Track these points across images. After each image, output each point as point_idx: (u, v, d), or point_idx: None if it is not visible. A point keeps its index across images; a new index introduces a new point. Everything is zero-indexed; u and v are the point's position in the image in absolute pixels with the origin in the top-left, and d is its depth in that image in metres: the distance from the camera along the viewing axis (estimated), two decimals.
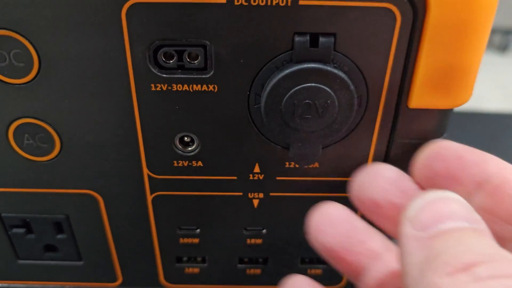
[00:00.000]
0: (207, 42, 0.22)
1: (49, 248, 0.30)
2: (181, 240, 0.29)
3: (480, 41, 0.22)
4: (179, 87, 0.23)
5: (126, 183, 0.27)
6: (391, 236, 0.25)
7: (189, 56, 0.23)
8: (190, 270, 0.31)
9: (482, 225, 0.18)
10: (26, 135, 0.25)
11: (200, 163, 0.26)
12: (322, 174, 0.26)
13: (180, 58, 0.23)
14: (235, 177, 0.26)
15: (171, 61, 0.23)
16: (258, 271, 0.31)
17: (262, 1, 0.21)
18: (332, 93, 0.23)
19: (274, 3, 0.21)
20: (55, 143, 0.25)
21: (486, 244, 0.17)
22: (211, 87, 0.23)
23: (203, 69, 0.23)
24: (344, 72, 0.22)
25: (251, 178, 0.26)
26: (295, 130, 0.24)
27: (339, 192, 0.27)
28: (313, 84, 0.22)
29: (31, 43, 0.22)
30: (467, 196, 0.21)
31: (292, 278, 0.26)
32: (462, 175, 0.21)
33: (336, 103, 0.23)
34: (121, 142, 0.25)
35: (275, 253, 0.30)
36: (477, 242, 0.17)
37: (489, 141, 0.70)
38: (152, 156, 0.26)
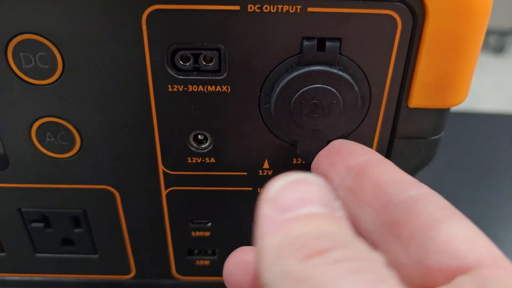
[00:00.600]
0: (221, 46, 0.24)
1: (66, 242, 0.32)
2: (193, 234, 0.31)
3: (475, 46, 0.23)
4: (195, 88, 0.25)
5: (142, 179, 0.28)
6: None
7: (204, 59, 0.24)
8: (201, 262, 0.32)
9: (339, 213, 0.18)
10: (48, 133, 0.26)
11: (212, 160, 0.27)
12: None
13: (196, 61, 0.24)
14: (245, 173, 0.28)
15: (187, 64, 0.24)
16: None
17: (273, 8, 0.22)
18: (337, 93, 0.24)
19: (284, 10, 0.23)
20: (76, 141, 0.27)
21: (341, 231, 0.17)
22: (224, 88, 0.25)
23: (217, 71, 0.24)
24: (349, 74, 0.24)
25: (260, 174, 0.28)
26: (303, 128, 0.25)
27: None
28: (320, 85, 0.24)
29: (56, 47, 0.24)
30: (340, 179, 0.22)
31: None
32: (337, 160, 0.23)
33: (341, 103, 0.24)
34: (138, 140, 0.27)
35: None
36: (333, 228, 0.17)
37: (486, 140, 0.71)
38: (167, 153, 0.27)
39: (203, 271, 0.33)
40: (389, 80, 0.25)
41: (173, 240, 0.31)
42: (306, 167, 0.28)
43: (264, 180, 0.28)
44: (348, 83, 0.24)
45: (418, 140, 0.27)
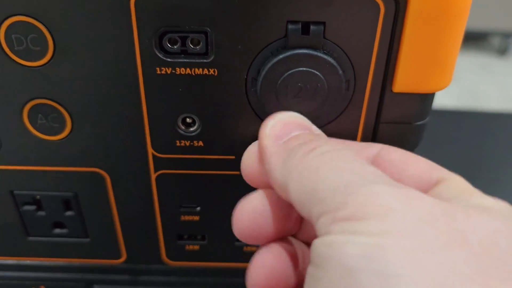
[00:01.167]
0: (208, 29, 0.24)
1: (58, 225, 0.32)
2: (182, 218, 0.31)
3: (457, 30, 0.24)
4: (182, 71, 0.25)
5: (131, 162, 0.29)
6: None
7: (191, 42, 0.25)
8: (191, 247, 0.33)
9: (318, 131, 0.25)
10: (40, 115, 0.27)
11: (201, 143, 0.28)
12: None
13: (184, 44, 0.25)
14: (233, 157, 0.28)
15: (175, 46, 0.25)
16: (254, 248, 0.33)
17: None
18: (322, 77, 0.25)
19: None
20: (66, 123, 0.27)
21: (322, 137, 0.24)
22: (211, 71, 0.25)
23: (204, 54, 0.25)
24: (333, 58, 0.24)
25: None
26: (289, 111, 0.26)
27: None
28: (304, 69, 0.24)
29: (47, 28, 0.24)
30: None
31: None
32: None
33: (326, 86, 0.25)
34: (127, 123, 0.27)
35: None
36: (316, 137, 0.23)
37: (488, 139, 0.72)
38: (156, 136, 0.28)
39: (193, 256, 0.33)
40: (373, 64, 0.25)
41: (163, 225, 0.32)
42: None
43: None
44: (333, 67, 0.24)
45: (403, 125, 0.27)
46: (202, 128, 0.27)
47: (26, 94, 0.26)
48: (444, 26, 0.23)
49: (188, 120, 0.27)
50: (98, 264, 0.34)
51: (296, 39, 0.24)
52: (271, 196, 0.25)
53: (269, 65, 0.24)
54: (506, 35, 2.18)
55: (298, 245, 0.26)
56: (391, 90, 0.26)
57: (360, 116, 0.27)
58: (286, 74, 0.25)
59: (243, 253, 0.33)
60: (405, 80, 0.25)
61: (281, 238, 0.26)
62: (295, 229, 0.26)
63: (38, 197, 0.31)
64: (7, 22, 0.24)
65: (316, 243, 0.19)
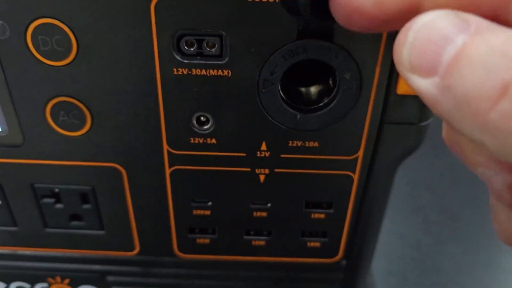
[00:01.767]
0: (223, 32, 0.25)
1: (75, 217, 0.34)
2: (194, 212, 0.33)
3: None
4: (198, 72, 0.27)
5: (147, 158, 0.30)
6: None
7: (207, 45, 0.26)
8: (201, 240, 0.34)
9: (473, 23, 0.15)
10: (62, 112, 0.29)
11: (213, 140, 0.29)
12: (322, 152, 0.30)
13: (200, 46, 0.26)
14: (244, 154, 0.30)
15: (191, 49, 0.26)
16: (262, 242, 0.34)
17: None
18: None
19: None
20: (87, 119, 0.29)
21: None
22: (225, 72, 0.27)
23: (219, 56, 0.26)
24: (341, 61, 0.26)
25: (258, 155, 0.30)
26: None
27: (337, 170, 0.30)
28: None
29: (71, 30, 0.26)
30: None
31: None
32: None
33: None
34: (145, 120, 0.29)
35: (278, 226, 0.33)
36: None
37: None
38: (172, 133, 0.29)
39: (203, 249, 0.35)
40: (379, 67, 0.26)
41: (176, 218, 0.33)
42: (301, 149, 0.30)
43: (261, 161, 0.30)
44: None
45: (406, 126, 0.29)
46: (215, 126, 0.29)
47: (50, 92, 0.28)
48: None
49: (202, 118, 0.29)
50: (112, 256, 0.36)
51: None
52: None
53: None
54: None
55: None
56: (395, 92, 0.27)
57: (365, 116, 0.28)
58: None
59: (252, 247, 0.34)
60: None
61: None
62: None
63: (57, 190, 0.32)
64: (34, 24, 0.25)
65: None
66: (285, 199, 0.32)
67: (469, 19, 0.15)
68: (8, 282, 0.38)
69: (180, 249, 0.35)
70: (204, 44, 0.26)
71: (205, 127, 0.29)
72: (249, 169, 0.31)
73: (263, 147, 0.30)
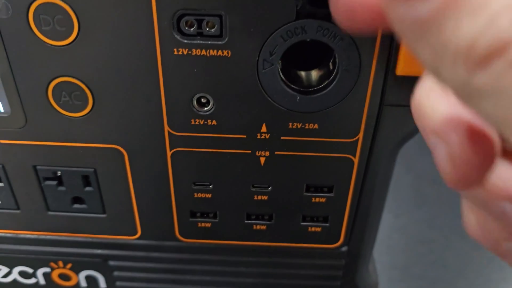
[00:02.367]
0: (223, 12, 0.26)
1: (77, 200, 0.34)
2: (195, 195, 0.33)
3: None
4: (198, 52, 0.27)
5: (149, 139, 0.30)
6: None
7: (207, 25, 0.26)
8: (203, 224, 0.34)
9: None
10: (64, 92, 0.29)
11: (214, 122, 0.29)
12: (322, 135, 0.30)
13: (200, 26, 0.26)
14: (245, 136, 0.30)
15: (191, 29, 0.26)
16: (263, 227, 0.34)
17: None
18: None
19: None
20: (88, 100, 0.29)
21: None
22: (225, 53, 0.27)
23: (218, 36, 0.26)
24: (340, 42, 0.26)
25: (258, 137, 0.30)
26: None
27: (338, 153, 0.30)
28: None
29: (73, 10, 0.26)
30: None
31: None
32: None
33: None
34: (146, 101, 0.29)
35: (279, 210, 0.34)
36: None
37: None
38: (172, 115, 0.29)
39: (204, 233, 0.35)
40: (377, 48, 0.26)
41: (177, 202, 0.33)
42: (301, 131, 0.30)
43: (262, 143, 0.30)
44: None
45: (406, 108, 0.29)
46: (215, 108, 0.29)
47: (51, 72, 0.28)
48: None
49: (202, 100, 0.29)
50: (114, 240, 0.36)
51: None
52: None
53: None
54: None
55: None
56: (395, 73, 0.27)
57: (365, 98, 0.28)
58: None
59: (253, 231, 0.34)
60: (407, 64, 0.27)
61: None
62: None
63: (59, 172, 0.33)
64: (36, 3, 0.26)
65: None
66: (285, 182, 0.32)
67: None
68: (11, 266, 0.38)
69: (181, 233, 0.35)
70: (204, 24, 0.26)
71: (206, 108, 0.29)
72: (249, 151, 0.31)
73: (263, 129, 0.30)
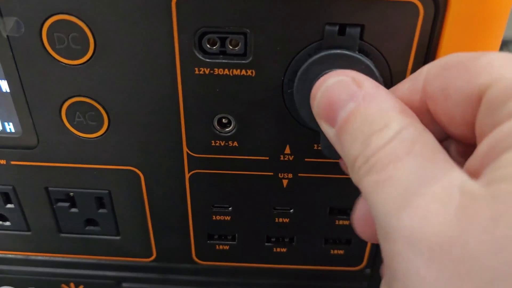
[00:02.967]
0: (247, 30, 0.24)
1: (90, 222, 0.33)
2: (214, 218, 0.31)
3: (496, 33, 0.24)
4: (220, 71, 0.26)
5: (166, 161, 0.29)
6: None
7: (230, 43, 0.25)
8: (221, 247, 0.33)
9: (363, 90, 0.20)
10: (78, 113, 0.27)
11: (235, 143, 0.28)
12: None
13: (223, 44, 0.25)
14: (267, 158, 0.29)
15: (214, 47, 0.25)
16: (284, 249, 0.33)
17: None
18: None
19: None
20: (104, 121, 0.28)
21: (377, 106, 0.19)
22: (249, 72, 0.25)
23: (243, 55, 0.25)
24: (370, 60, 0.24)
25: (281, 158, 0.29)
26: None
27: None
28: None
29: (89, 27, 0.25)
30: None
31: None
32: None
33: None
34: (164, 122, 0.27)
35: (301, 233, 0.32)
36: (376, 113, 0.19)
37: None
38: (192, 136, 0.28)
39: (222, 256, 0.34)
40: (410, 67, 0.25)
41: (194, 224, 0.32)
42: None
43: (285, 165, 0.29)
44: (369, 69, 0.24)
45: None
46: (237, 129, 0.27)
47: (65, 92, 0.27)
48: (484, 28, 0.23)
49: (224, 120, 0.28)
50: (128, 262, 0.35)
51: (331, 39, 0.24)
52: None
53: (304, 66, 0.24)
54: (506, 43, 2.15)
55: None
56: None
57: None
58: (320, 75, 0.25)
59: (273, 254, 0.33)
60: None
61: None
62: None
63: (72, 194, 0.31)
64: (50, 20, 0.24)
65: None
66: (308, 205, 0.31)
67: (363, 85, 0.20)
68: None
69: (198, 256, 0.34)
70: (227, 42, 0.25)
71: (227, 129, 0.28)
72: (271, 173, 0.29)
73: (287, 150, 0.28)
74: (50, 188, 0.31)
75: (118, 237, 0.33)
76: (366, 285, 0.35)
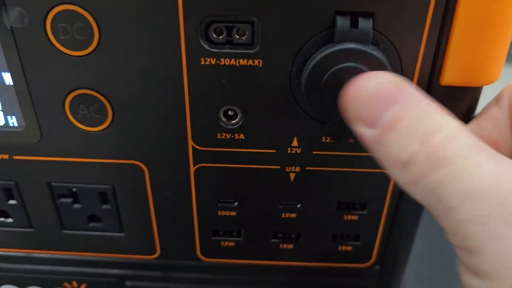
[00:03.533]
0: (255, 19, 0.24)
1: (93, 218, 0.32)
2: (219, 213, 0.31)
3: (509, 23, 0.23)
4: (227, 61, 0.25)
5: (171, 154, 0.28)
6: None
7: (237, 32, 0.24)
8: (226, 244, 0.33)
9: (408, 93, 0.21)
10: (82, 105, 0.27)
11: (242, 136, 0.27)
12: (356, 149, 0.28)
13: (229, 34, 0.24)
14: (274, 151, 0.28)
15: (220, 37, 0.24)
16: (290, 246, 0.32)
17: None
18: None
19: None
20: (108, 113, 0.27)
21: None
22: (256, 62, 0.25)
23: (250, 44, 0.25)
24: (382, 52, 0.24)
25: (288, 151, 0.28)
26: (333, 107, 0.25)
27: (373, 168, 0.28)
28: (352, 64, 0.24)
29: (93, 17, 0.24)
30: None
31: None
32: None
33: None
34: (169, 114, 0.27)
35: (308, 228, 0.32)
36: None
37: None
38: (197, 128, 0.27)
39: (228, 253, 0.33)
40: (421, 56, 0.25)
41: (199, 220, 0.31)
42: (334, 146, 0.28)
43: (292, 158, 0.28)
44: (381, 64, 0.24)
45: None
46: (244, 121, 0.27)
47: (69, 84, 0.26)
48: (497, 16, 0.23)
49: (230, 112, 0.27)
50: (131, 260, 0.34)
51: (344, 32, 0.24)
52: None
53: (316, 59, 0.24)
54: None
55: None
56: (439, 83, 0.25)
57: None
58: (332, 70, 0.24)
59: (280, 250, 0.33)
60: (453, 73, 0.25)
61: None
62: None
63: (74, 189, 0.31)
64: (55, 11, 0.24)
65: None
66: (316, 199, 0.30)
67: (406, 89, 0.21)
68: (23, 286, 0.36)
69: (203, 253, 0.33)
70: (234, 31, 0.24)
71: (233, 121, 0.27)
72: (278, 167, 0.29)
73: (294, 143, 0.28)
74: (53, 184, 0.31)
75: (121, 234, 0.33)
76: (374, 282, 0.34)
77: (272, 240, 0.32)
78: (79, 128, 0.28)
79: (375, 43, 0.24)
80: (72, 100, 0.27)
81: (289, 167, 0.29)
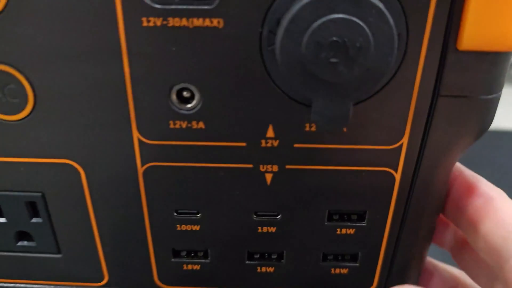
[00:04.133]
0: None
1: (22, 236, 0.26)
2: (178, 227, 0.25)
3: None
4: (177, 22, 0.19)
5: (112, 151, 0.22)
6: None
7: None
8: (190, 267, 0.26)
9: None
10: None
11: (201, 124, 0.21)
12: (350, 140, 0.22)
13: None
14: (244, 144, 0.22)
15: None
16: (271, 269, 0.26)
17: None
18: (366, 28, 0.18)
19: None
20: (28, 97, 0.21)
21: None
22: (215, 22, 0.19)
23: None
24: (381, 2, 0.18)
25: (263, 145, 0.22)
26: (318, 79, 0.19)
27: (373, 165, 0.22)
28: (342, 16, 0.18)
29: None
30: None
31: None
32: None
33: (372, 43, 0.18)
34: (106, 97, 0.21)
35: (291, 246, 0.25)
36: None
37: None
38: (143, 115, 0.21)
39: (192, 278, 0.26)
40: (432, 12, 0.19)
41: (154, 236, 0.25)
42: (322, 136, 0.22)
43: (268, 154, 0.22)
44: (381, 14, 0.18)
45: (467, 100, 0.21)
46: (203, 104, 0.21)
47: None
48: None
49: (185, 93, 0.21)
50: None
51: None
52: None
53: (293, 11, 0.18)
54: None
55: None
56: (456, 48, 0.19)
57: (413, 85, 0.20)
58: (316, 24, 0.18)
59: (257, 275, 0.26)
60: (474, 34, 0.19)
61: None
62: None
63: None
64: None
65: None
66: (300, 209, 0.24)
67: None
68: None
69: (161, 279, 0.27)
70: None
71: (189, 105, 0.21)
72: (250, 166, 0.23)
73: (270, 133, 0.22)
74: None
75: (59, 255, 0.26)
76: None
77: (247, 262, 0.26)
78: None
79: None
80: None
81: (264, 166, 0.22)
